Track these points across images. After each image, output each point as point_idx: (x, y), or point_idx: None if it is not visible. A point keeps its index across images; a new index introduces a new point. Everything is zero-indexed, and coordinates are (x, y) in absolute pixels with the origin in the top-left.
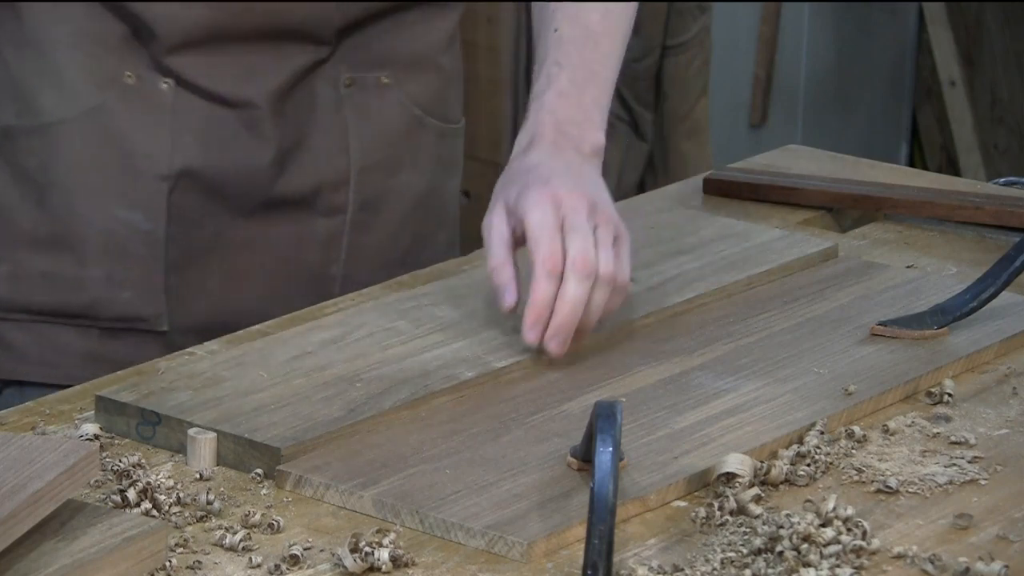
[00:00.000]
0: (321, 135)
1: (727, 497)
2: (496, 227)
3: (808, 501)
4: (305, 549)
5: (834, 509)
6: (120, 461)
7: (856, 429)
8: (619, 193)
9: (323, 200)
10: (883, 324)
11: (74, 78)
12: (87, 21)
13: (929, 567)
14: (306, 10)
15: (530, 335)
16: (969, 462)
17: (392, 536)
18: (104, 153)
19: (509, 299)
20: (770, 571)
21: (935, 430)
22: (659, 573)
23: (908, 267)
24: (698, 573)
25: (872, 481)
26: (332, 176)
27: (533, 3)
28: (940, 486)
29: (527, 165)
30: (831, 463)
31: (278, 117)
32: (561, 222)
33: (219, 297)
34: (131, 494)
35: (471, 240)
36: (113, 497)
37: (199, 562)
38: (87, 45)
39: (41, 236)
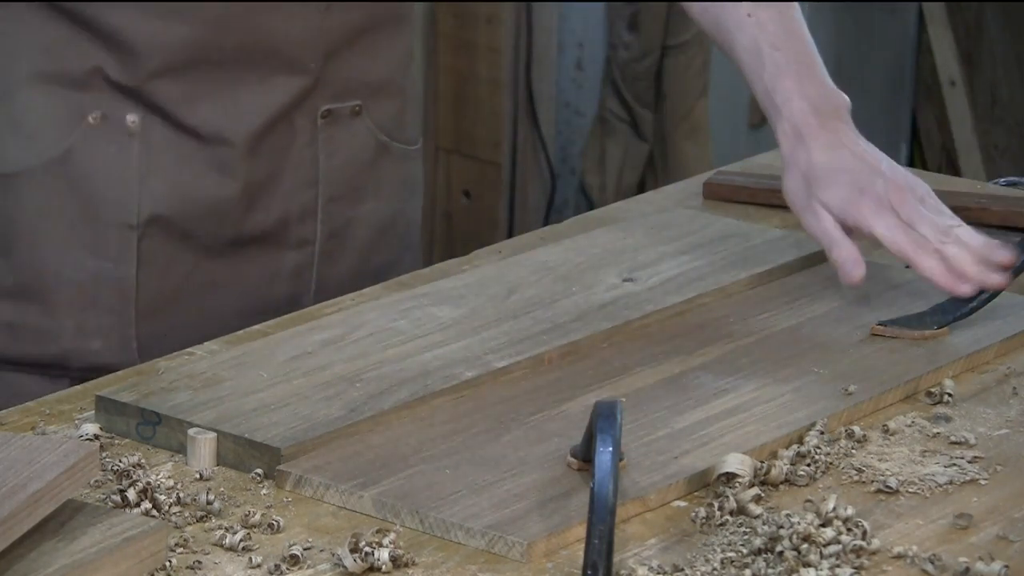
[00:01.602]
0: (292, 170)
1: (727, 497)
2: (827, 221)
3: (808, 501)
4: (305, 549)
5: (834, 509)
6: (120, 461)
7: (856, 429)
8: (619, 193)
9: (291, 233)
10: (883, 324)
11: (35, 123)
12: (46, 59)
13: (929, 567)
14: (289, 30)
15: (964, 288)
16: (969, 462)
17: (392, 536)
18: (70, 203)
19: (858, 271)
20: (770, 571)
21: (935, 430)
22: (659, 573)
23: (908, 267)
24: (698, 573)
25: (872, 481)
26: (299, 209)
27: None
28: (940, 486)
29: (818, 162)
30: (831, 463)
31: (252, 155)
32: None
33: (188, 340)
34: (131, 494)
35: (471, 240)
36: (113, 497)
37: (199, 562)
38: (47, 85)
39: (7, 286)
